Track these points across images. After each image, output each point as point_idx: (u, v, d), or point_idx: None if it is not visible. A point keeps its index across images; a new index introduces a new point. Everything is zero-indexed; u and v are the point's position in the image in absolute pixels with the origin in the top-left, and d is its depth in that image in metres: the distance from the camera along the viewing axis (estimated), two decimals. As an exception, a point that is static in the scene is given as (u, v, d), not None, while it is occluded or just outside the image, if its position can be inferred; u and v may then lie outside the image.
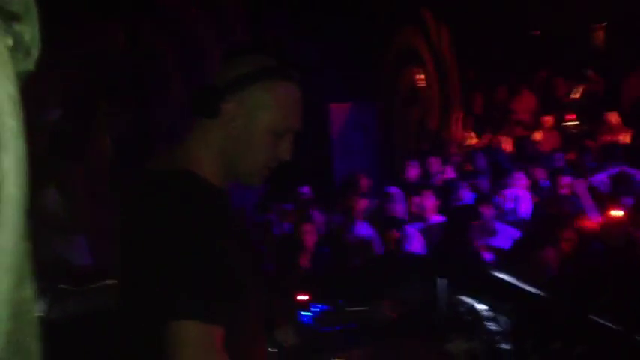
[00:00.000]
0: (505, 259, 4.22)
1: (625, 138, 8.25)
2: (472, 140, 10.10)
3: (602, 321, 2.16)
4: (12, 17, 0.53)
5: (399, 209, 6.09)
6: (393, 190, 6.44)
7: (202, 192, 1.58)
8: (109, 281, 3.20)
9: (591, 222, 4.99)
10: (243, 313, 1.65)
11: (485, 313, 2.63)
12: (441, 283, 2.82)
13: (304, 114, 1.74)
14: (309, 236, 4.82)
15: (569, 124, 9.86)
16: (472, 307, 2.70)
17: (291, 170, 1.97)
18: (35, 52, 0.56)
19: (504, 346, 2.33)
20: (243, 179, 1.75)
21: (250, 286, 1.68)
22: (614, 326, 2.12)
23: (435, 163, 8.06)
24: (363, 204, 5.95)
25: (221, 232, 1.54)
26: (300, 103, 1.73)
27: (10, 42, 0.53)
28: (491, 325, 2.53)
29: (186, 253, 1.49)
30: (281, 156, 1.71)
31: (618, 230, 4.28)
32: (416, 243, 5.36)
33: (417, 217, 6.06)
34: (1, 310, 0.49)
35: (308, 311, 2.79)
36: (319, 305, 2.86)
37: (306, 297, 2.91)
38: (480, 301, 2.69)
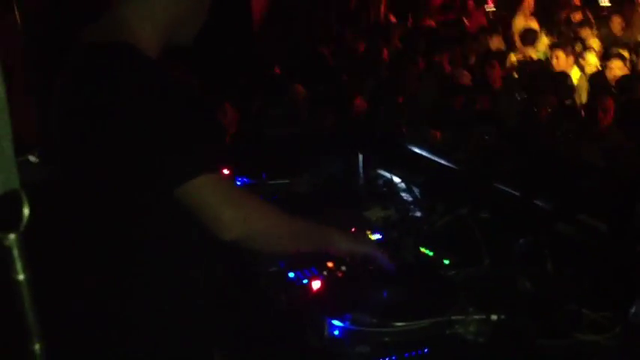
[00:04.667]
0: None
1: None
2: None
3: (504, 188, 2.34)
4: None
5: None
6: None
7: (145, 63, 1.54)
8: (31, 157, 3.18)
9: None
10: None
11: (399, 185, 2.80)
12: (359, 157, 2.95)
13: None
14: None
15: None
16: (388, 180, 2.86)
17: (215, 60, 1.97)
18: None
19: (416, 213, 2.50)
20: (181, 44, 1.73)
21: None
22: (515, 192, 2.31)
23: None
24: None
25: (180, 93, 1.55)
26: None
27: None
28: (405, 195, 2.70)
29: (164, 118, 1.48)
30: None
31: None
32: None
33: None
34: None
35: (231, 185, 2.87)
36: (242, 179, 2.94)
37: (228, 171, 2.98)
38: (395, 174, 2.85)
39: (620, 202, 2.16)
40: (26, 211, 0.63)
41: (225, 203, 1.52)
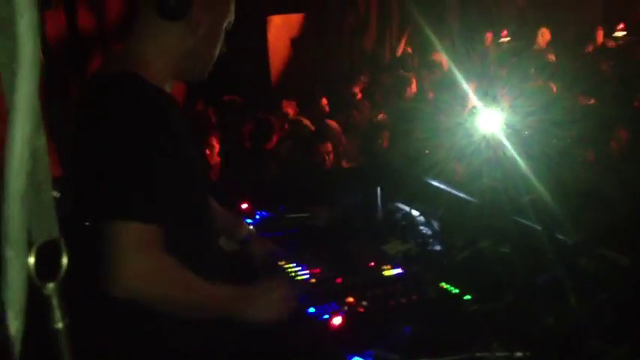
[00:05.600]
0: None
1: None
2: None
3: (525, 222, 2.33)
4: None
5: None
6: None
7: (143, 94, 1.58)
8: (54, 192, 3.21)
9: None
10: (194, 213, 1.70)
11: (418, 218, 2.79)
12: (378, 191, 2.96)
13: (243, 26, 1.79)
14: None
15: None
16: (407, 213, 2.86)
17: (229, 81, 2.02)
18: None
19: (436, 247, 2.49)
20: (195, 77, 1.77)
21: (201, 185, 1.74)
22: (536, 226, 2.29)
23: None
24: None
25: (163, 132, 1.56)
26: None
27: None
28: (424, 229, 2.69)
29: (124, 154, 1.50)
30: (222, 47, 1.77)
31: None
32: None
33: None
34: (24, 151, 0.57)
35: (251, 218, 2.89)
36: (261, 212, 2.96)
37: (247, 205, 3.00)
38: (414, 208, 2.84)
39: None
40: (65, 261, 0.65)
41: (125, 260, 1.45)
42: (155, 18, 1.64)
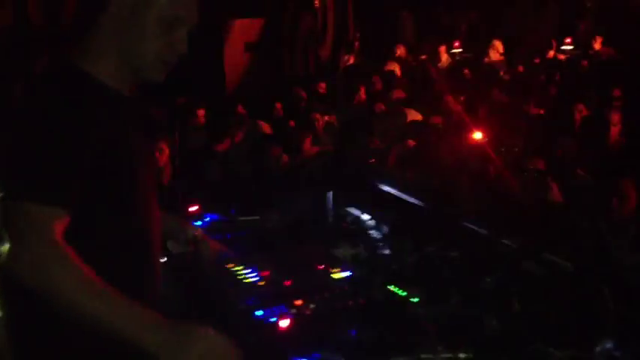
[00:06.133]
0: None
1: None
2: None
3: (472, 226, 2.36)
4: None
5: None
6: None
7: (70, 85, 1.61)
8: None
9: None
10: (117, 212, 1.68)
11: (368, 222, 2.81)
12: (329, 195, 2.96)
13: (198, 29, 1.76)
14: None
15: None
16: (357, 218, 2.87)
17: (183, 85, 1.99)
18: None
19: (385, 250, 2.51)
20: (141, 73, 1.75)
21: (129, 184, 1.71)
22: (483, 231, 2.33)
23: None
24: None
25: (83, 122, 1.56)
26: None
27: None
28: (374, 233, 2.71)
29: (35, 138, 1.52)
30: (176, 47, 1.73)
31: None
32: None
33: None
34: None
35: (200, 221, 2.86)
36: (211, 215, 2.93)
37: (197, 207, 2.97)
38: (364, 212, 2.86)
39: (585, 241, 2.19)
40: (4, 249, 0.63)
41: (15, 242, 1.38)
42: (95, 14, 1.67)
